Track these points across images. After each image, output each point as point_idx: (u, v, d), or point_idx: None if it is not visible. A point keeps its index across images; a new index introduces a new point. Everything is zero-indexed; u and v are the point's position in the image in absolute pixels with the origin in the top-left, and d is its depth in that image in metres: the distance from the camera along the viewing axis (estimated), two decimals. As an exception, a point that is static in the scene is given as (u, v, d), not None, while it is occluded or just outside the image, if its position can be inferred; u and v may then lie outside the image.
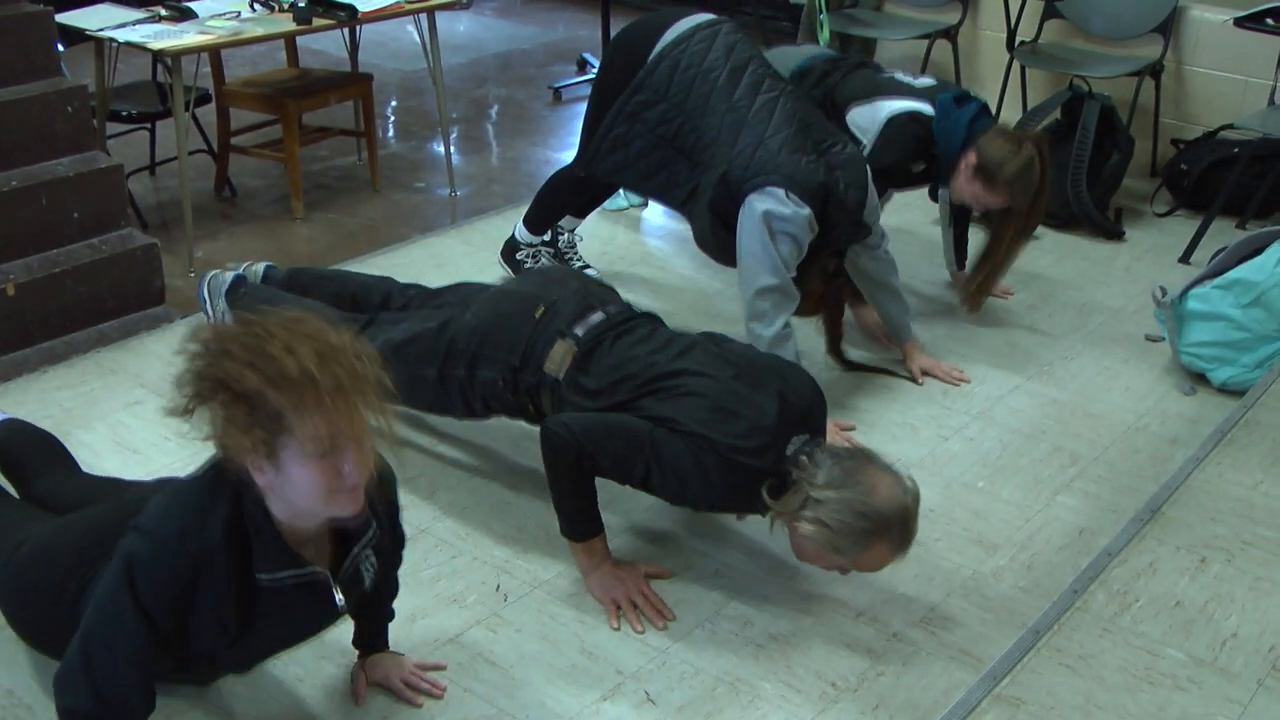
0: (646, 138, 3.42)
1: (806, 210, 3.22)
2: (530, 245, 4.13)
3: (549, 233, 4.15)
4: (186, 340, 1.91)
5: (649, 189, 3.59)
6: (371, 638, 2.47)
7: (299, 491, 1.91)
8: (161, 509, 2.00)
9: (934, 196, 4.20)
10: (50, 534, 2.32)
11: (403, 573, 2.74)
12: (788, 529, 2.62)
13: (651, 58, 3.40)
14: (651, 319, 2.93)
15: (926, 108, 3.76)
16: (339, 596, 2.13)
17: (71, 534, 2.29)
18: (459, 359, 2.88)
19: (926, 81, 3.92)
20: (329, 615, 2.19)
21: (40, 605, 2.25)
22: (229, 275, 3.42)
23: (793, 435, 2.62)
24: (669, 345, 2.78)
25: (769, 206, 3.20)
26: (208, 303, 3.41)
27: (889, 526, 2.49)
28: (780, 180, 3.21)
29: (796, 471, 2.56)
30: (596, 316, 2.84)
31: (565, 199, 4.08)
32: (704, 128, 3.33)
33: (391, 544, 2.32)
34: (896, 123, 3.75)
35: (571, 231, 4.19)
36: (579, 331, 2.80)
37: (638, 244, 4.64)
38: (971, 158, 3.69)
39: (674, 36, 3.41)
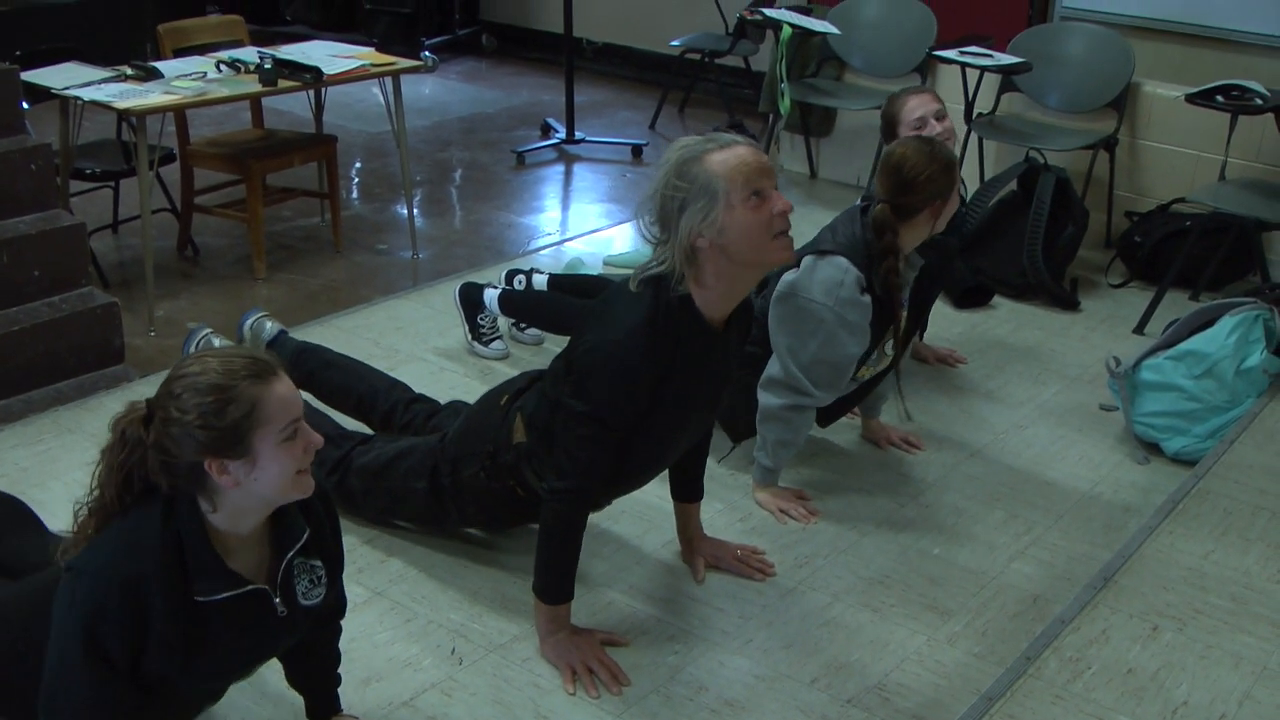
0: None
1: None
2: (494, 316, 4.18)
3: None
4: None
5: None
6: (324, 706, 2.45)
7: (269, 479, 1.99)
8: (90, 546, 2.02)
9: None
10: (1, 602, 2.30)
11: (357, 636, 2.74)
12: (712, 243, 2.54)
13: None
14: None
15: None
16: (281, 607, 2.14)
17: (20, 598, 2.26)
18: (445, 467, 2.94)
19: None
20: (278, 628, 2.17)
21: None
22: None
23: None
24: None
25: None
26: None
27: (696, 142, 2.55)
28: None
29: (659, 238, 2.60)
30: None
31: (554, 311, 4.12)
32: None
33: (335, 607, 2.32)
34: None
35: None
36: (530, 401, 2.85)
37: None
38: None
39: None
